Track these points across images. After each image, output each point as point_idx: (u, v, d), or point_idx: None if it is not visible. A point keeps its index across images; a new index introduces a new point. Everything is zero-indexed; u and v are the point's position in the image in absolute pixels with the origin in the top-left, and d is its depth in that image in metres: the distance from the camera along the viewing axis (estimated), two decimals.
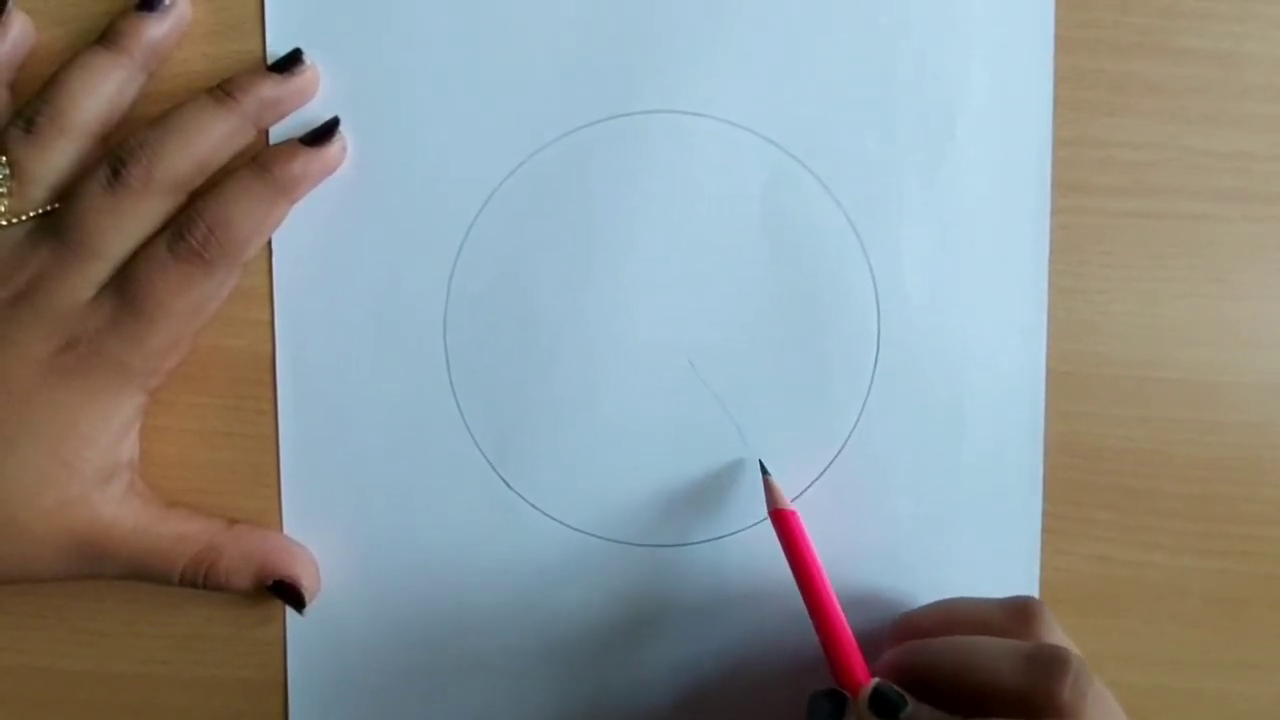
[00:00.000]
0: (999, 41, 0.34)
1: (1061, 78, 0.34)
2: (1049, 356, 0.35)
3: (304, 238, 0.34)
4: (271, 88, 0.33)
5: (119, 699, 0.36)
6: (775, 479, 0.34)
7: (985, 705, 0.28)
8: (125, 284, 0.32)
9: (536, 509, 0.35)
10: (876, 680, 0.30)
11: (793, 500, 0.34)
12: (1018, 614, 0.31)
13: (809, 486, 0.35)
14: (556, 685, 0.35)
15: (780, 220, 0.35)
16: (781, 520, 0.33)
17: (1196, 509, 0.35)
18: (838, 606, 0.32)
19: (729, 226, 0.35)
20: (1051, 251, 0.35)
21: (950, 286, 0.35)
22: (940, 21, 0.34)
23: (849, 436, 0.35)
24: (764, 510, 0.34)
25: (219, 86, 0.33)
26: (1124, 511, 0.35)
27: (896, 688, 0.29)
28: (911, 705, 0.29)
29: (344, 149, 0.34)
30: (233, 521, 0.34)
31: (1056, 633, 0.31)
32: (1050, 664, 0.28)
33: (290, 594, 0.34)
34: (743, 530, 0.35)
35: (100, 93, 0.33)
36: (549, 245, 0.35)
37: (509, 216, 0.35)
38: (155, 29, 0.33)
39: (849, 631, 0.31)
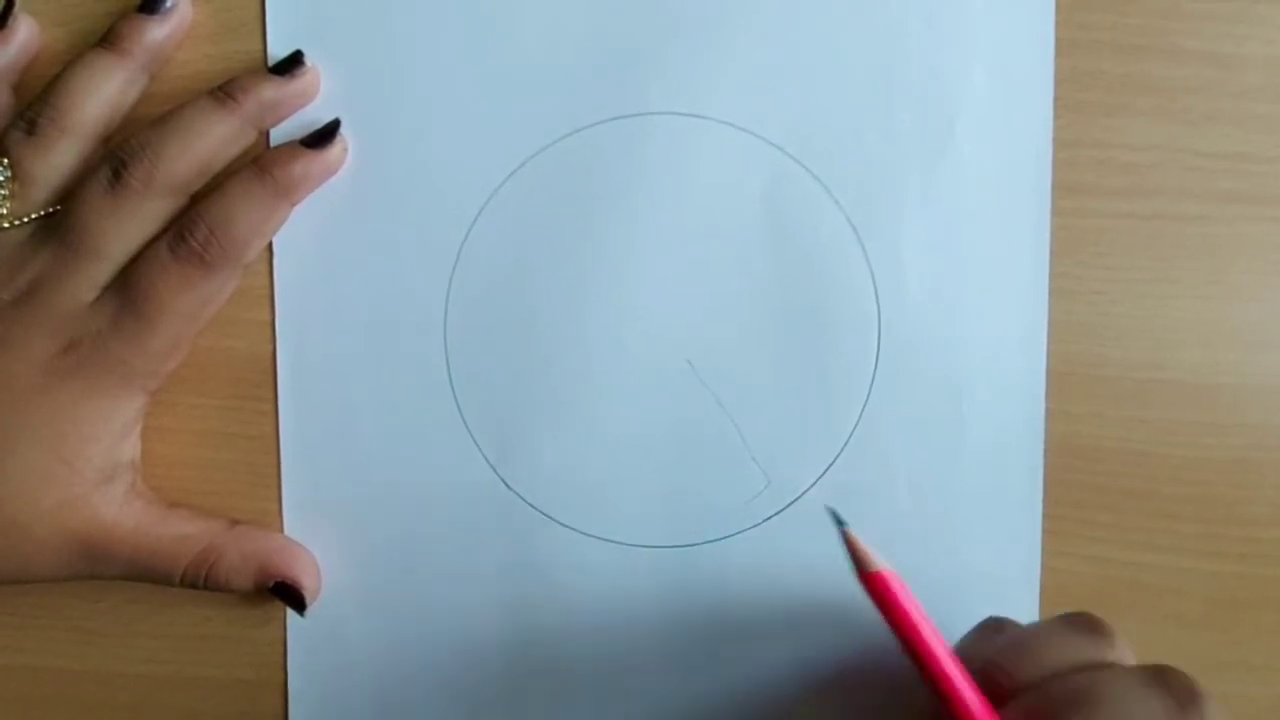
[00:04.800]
0: (999, 42, 0.34)
1: (1061, 79, 0.34)
2: (1049, 357, 0.35)
3: (305, 239, 0.34)
4: (272, 89, 0.33)
5: (119, 699, 0.36)
6: (860, 537, 0.29)
7: None
8: (127, 285, 0.32)
9: (536, 509, 0.35)
10: None
11: (792, 501, 0.35)
12: (1088, 628, 0.29)
13: (809, 487, 0.35)
14: (554, 685, 0.35)
15: (780, 221, 0.35)
16: (875, 585, 0.29)
17: (1196, 510, 0.35)
18: (958, 677, 0.27)
19: (729, 227, 0.35)
20: (1051, 252, 0.35)
21: (950, 287, 0.35)
22: (940, 22, 0.34)
23: (849, 437, 0.35)
24: (766, 511, 0.34)
25: (220, 88, 0.33)
26: (1123, 512, 0.35)
27: None
28: None
29: (345, 151, 0.34)
30: (234, 522, 0.34)
31: (1124, 643, 0.29)
32: (1187, 699, 0.26)
33: (291, 595, 0.34)
34: (743, 531, 0.35)
35: (102, 94, 0.33)
36: (549, 246, 0.35)
37: (509, 217, 0.35)
38: (157, 31, 0.33)
39: (974, 700, 0.27)
